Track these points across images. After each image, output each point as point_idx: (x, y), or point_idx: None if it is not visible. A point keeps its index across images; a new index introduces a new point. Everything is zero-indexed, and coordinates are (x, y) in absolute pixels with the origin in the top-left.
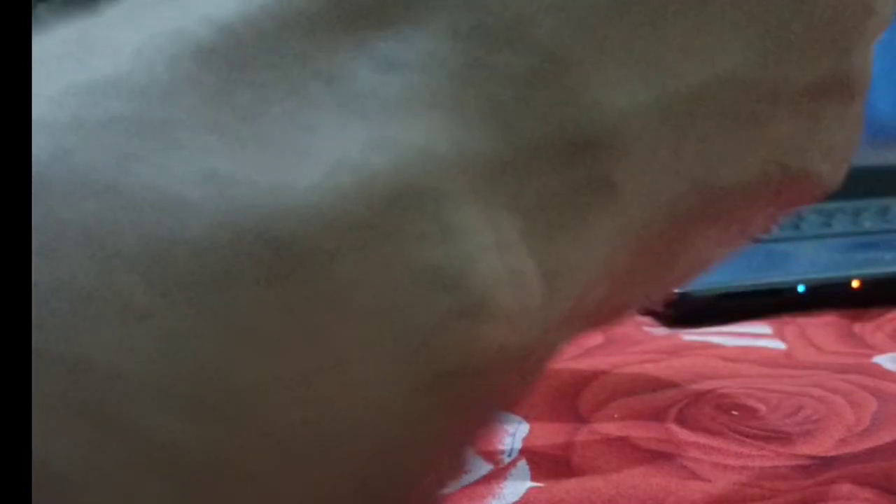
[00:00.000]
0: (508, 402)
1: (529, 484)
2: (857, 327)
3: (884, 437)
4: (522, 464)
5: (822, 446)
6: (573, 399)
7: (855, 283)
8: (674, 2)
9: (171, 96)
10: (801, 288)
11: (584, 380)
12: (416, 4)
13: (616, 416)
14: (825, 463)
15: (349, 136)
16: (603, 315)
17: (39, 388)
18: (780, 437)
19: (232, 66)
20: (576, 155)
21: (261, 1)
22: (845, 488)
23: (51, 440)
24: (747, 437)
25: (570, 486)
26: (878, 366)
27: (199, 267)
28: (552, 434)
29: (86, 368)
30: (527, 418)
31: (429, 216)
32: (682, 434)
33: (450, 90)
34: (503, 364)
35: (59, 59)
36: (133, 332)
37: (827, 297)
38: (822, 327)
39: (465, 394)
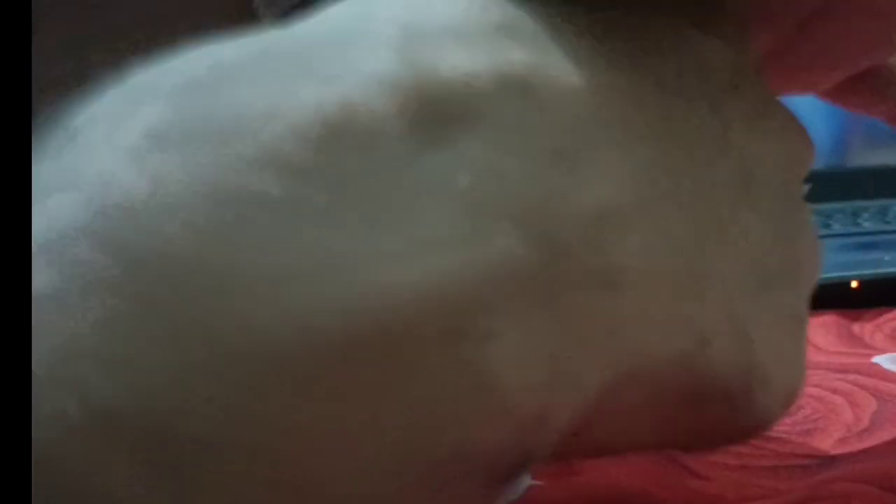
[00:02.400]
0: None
1: (530, 482)
2: (857, 327)
3: (883, 437)
4: None
5: (822, 446)
6: None
7: (854, 284)
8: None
9: (308, 187)
10: None
11: None
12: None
13: None
14: (825, 463)
15: (439, 239)
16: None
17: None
18: (780, 437)
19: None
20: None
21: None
22: (845, 488)
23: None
24: None
25: (570, 485)
26: (877, 366)
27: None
28: None
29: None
30: None
31: (480, 322)
32: None
33: (503, 225)
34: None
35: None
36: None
37: (826, 298)
38: (821, 327)
39: (469, 479)
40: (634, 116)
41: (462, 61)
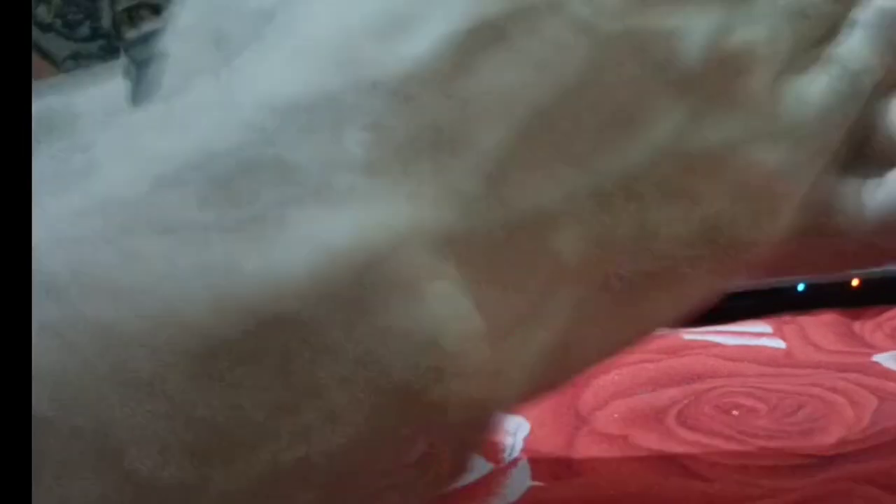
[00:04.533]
0: (482, 445)
1: (530, 483)
2: (857, 326)
3: (884, 436)
4: (523, 463)
5: (822, 445)
6: (573, 399)
7: (855, 282)
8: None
9: (170, 210)
10: (800, 287)
11: (584, 380)
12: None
13: (616, 416)
14: (825, 462)
15: (326, 226)
16: (558, 375)
17: (55, 452)
18: (780, 437)
19: (213, 181)
20: (521, 232)
21: (228, 130)
22: (845, 487)
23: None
24: (747, 436)
25: (570, 485)
26: (877, 364)
27: (198, 344)
28: (553, 433)
29: (103, 433)
30: (527, 418)
31: (402, 291)
32: (682, 434)
33: (416, 179)
34: (479, 415)
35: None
36: (141, 395)
37: (827, 296)
38: (821, 326)
39: (443, 439)
40: None
41: None
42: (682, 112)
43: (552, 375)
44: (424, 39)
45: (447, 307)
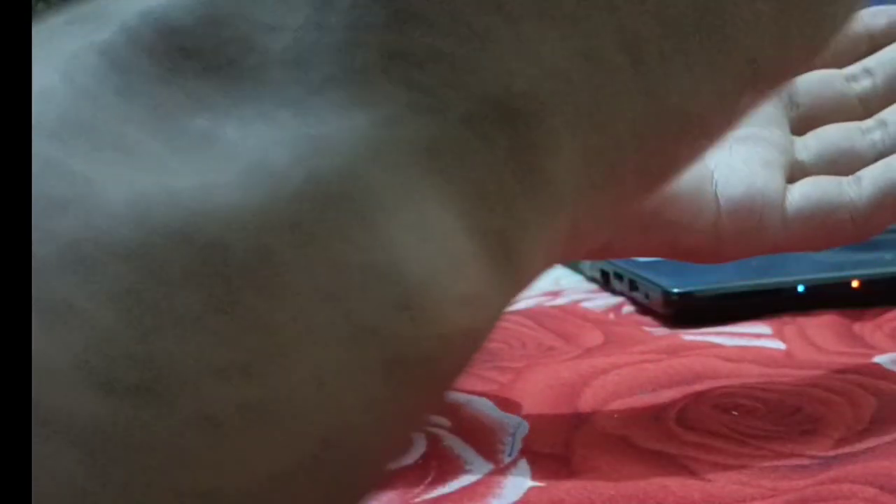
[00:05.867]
0: (459, 380)
1: (530, 483)
2: (857, 327)
3: (883, 437)
4: (523, 463)
5: (822, 446)
6: (573, 399)
7: (854, 283)
8: None
9: (86, 112)
10: (800, 288)
11: (584, 380)
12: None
13: (616, 416)
14: (825, 463)
15: (260, 138)
16: (579, 248)
17: None
18: (780, 437)
19: (129, 86)
20: (499, 127)
21: (136, 14)
22: (845, 488)
23: None
24: (747, 437)
25: (570, 485)
26: (877, 366)
27: (126, 270)
28: (552, 434)
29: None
30: (527, 418)
31: (352, 212)
32: (682, 434)
33: (362, 80)
34: (455, 347)
35: None
36: (62, 329)
37: (827, 297)
38: (821, 327)
39: (419, 377)
40: None
41: None
42: None
43: (552, 264)
44: None
45: (407, 228)
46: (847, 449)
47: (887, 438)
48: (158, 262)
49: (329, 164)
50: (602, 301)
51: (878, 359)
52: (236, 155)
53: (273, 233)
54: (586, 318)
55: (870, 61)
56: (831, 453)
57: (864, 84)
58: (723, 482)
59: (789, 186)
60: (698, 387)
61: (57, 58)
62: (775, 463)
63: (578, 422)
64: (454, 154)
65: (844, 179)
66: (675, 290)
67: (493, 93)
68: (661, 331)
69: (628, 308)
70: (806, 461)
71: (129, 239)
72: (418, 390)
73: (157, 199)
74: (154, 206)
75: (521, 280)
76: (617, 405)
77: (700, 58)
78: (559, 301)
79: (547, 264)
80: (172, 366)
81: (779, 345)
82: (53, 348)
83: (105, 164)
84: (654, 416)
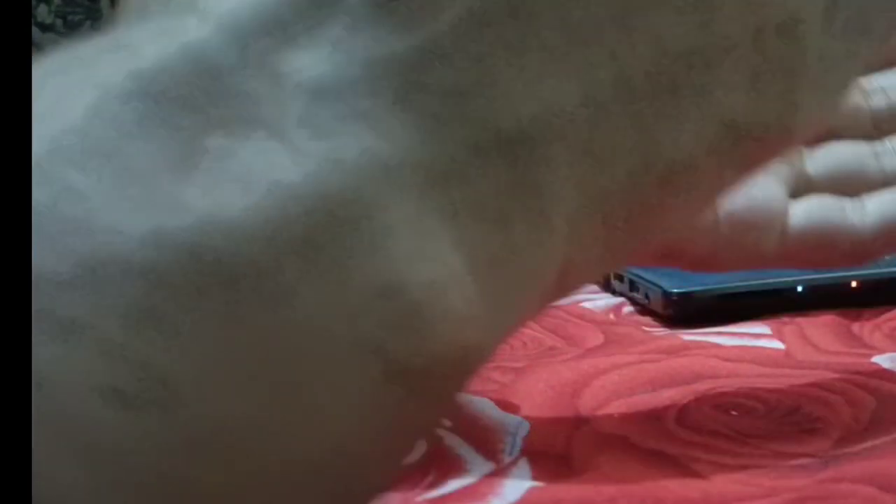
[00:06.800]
0: (461, 393)
1: (530, 483)
2: (856, 327)
3: (882, 437)
4: (523, 463)
5: (821, 446)
6: (573, 399)
7: (854, 283)
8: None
9: (109, 141)
10: (799, 288)
11: (584, 380)
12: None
13: (616, 416)
14: (824, 462)
15: (274, 158)
16: (552, 300)
17: None
18: (780, 437)
19: (154, 113)
20: (503, 155)
21: (173, 49)
22: (844, 487)
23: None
24: (747, 436)
25: (570, 485)
26: (876, 365)
27: (138, 286)
28: (552, 433)
29: (36, 384)
30: (527, 418)
31: (361, 231)
32: (682, 434)
33: (380, 111)
34: (455, 363)
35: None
36: (75, 343)
37: (826, 297)
38: (820, 327)
39: (422, 390)
40: None
41: None
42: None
43: (545, 301)
44: None
45: (411, 248)
46: (846, 448)
47: (886, 438)
48: (168, 278)
49: (340, 185)
50: (602, 301)
51: (876, 359)
52: (249, 172)
53: (282, 249)
54: (587, 318)
55: (885, 80)
56: (830, 453)
57: (879, 103)
58: (722, 482)
59: (792, 202)
60: (698, 387)
61: (90, 85)
62: (775, 463)
63: (579, 422)
64: (460, 179)
65: (848, 203)
66: (675, 291)
67: (502, 124)
68: (660, 331)
69: (628, 308)
70: (805, 461)
71: (140, 256)
72: (422, 402)
73: (168, 216)
74: (166, 223)
75: (518, 307)
76: (617, 405)
77: (684, 108)
78: (560, 301)
79: (542, 299)
80: (181, 379)
81: (778, 345)
82: (66, 362)
83: (121, 188)
84: (654, 416)
